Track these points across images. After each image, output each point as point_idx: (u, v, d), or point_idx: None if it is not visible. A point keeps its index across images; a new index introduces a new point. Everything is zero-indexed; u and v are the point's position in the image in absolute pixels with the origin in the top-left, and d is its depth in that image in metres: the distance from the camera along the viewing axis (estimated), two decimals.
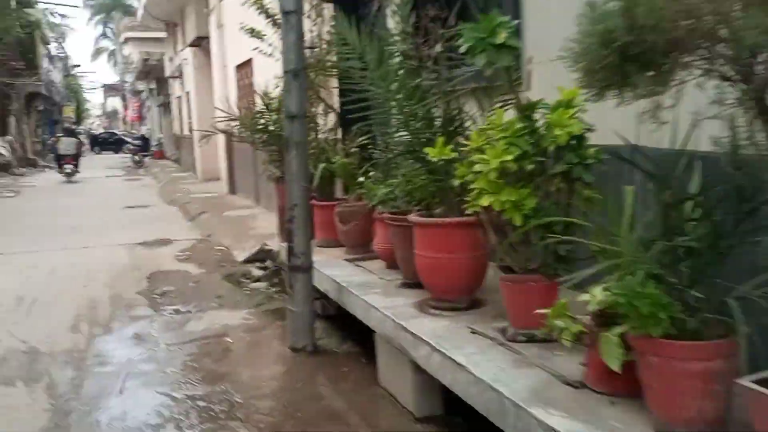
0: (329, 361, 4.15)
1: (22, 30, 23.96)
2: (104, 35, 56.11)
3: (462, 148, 2.98)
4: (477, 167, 2.68)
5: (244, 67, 11.53)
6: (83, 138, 35.83)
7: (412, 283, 3.96)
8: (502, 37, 2.41)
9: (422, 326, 3.22)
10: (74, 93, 49.74)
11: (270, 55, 6.22)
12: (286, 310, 4.47)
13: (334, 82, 6.45)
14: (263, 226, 8.94)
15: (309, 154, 5.20)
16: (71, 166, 20.77)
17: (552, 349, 2.75)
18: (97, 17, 54.35)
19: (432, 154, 3.02)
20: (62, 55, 43.10)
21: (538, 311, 2.55)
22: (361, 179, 4.69)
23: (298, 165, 4.23)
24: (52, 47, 37.52)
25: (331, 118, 6.08)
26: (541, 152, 2.71)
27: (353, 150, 5.31)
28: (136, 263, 7.51)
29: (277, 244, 7.03)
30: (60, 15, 32.98)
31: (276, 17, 5.69)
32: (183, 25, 19.10)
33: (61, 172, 20.88)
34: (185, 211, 11.75)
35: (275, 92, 6.57)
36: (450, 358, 2.82)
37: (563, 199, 2.76)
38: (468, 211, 3.17)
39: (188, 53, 17.50)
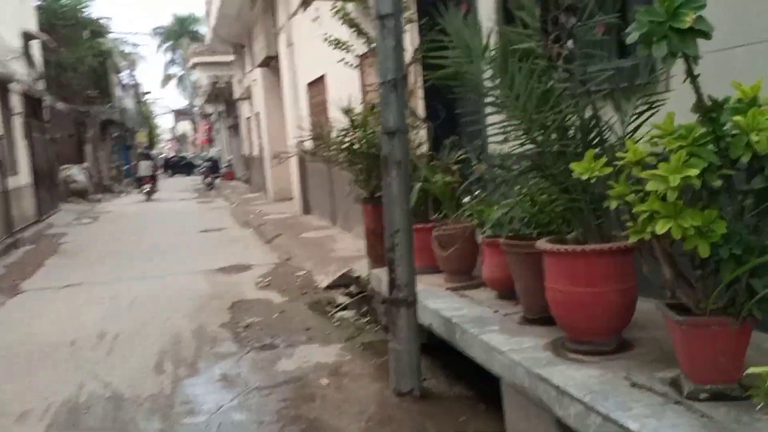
0: (442, 409, 3.65)
1: (95, 59, 24.60)
2: (173, 62, 57.71)
3: (615, 162, 2.43)
4: (650, 185, 2.14)
5: (316, 84, 11.25)
6: (158, 161, 37.14)
7: (537, 318, 3.44)
8: (688, 19, 1.87)
9: (566, 376, 2.69)
10: (146, 119, 51.19)
11: (356, 66, 5.80)
12: (389, 348, 4.00)
13: (420, 92, 6.01)
14: (343, 248, 8.55)
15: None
16: (149, 186, 22.87)
17: (748, 411, 2.18)
18: (166, 45, 55.97)
19: (579, 170, 2.49)
20: (133, 82, 44.43)
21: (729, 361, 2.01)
22: (466, 199, 4.18)
23: (400, 186, 3.77)
24: (124, 75, 38.68)
25: (422, 132, 5.61)
26: (729, 164, 2.15)
27: (452, 167, 4.82)
28: (217, 292, 7.21)
29: (361, 268, 6.60)
30: (131, 44, 33.98)
31: (360, 26, 5.27)
32: (251, 46, 19.12)
33: (141, 192, 23.17)
34: (260, 233, 11.51)
35: (357, 107, 6.18)
36: (616, 422, 2.28)
37: (759, 223, 2.19)
38: (621, 238, 2.64)
39: (257, 74, 17.45)
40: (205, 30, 55.04)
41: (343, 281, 7.04)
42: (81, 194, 22.96)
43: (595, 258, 2.82)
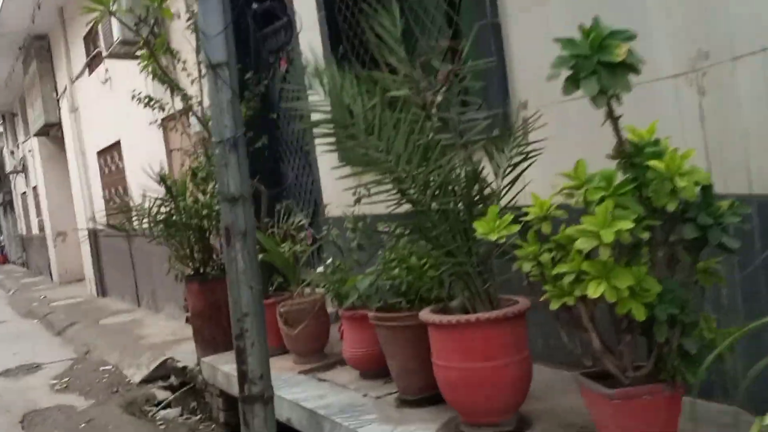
0: None
1: None
2: None
3: (522, 219, 2.15)
4: (579, 243, 1.86)
5: (109, 151, 10.19)
6: None
7: (416, 399, 3.05)
8: (620, 52, 1.65)
9: None
10: None
11: (159, 126, 5.17)
12: None
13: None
14: (154, 334, 7.57)
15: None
16: None
17: None
18: None
19: (483, 230, 2.17)
20: None
21: None
22: (320, 269, 3.72)
23: (247, 261, 3.20)
24: None
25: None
26: (652, 213, 1.95)
27: (294, 234, 4.35)
28: (2, 403, 5.92)
29: (183, 356, 5.79)
30: None
31: (173, 82, 4.67)
32: (24, 115, 17.16)
33: None
34: (49, 323, 9.97)
35: (163, 172, 5.50)
36: None
37: (685, 276, 2.01)
38: (507, 302, 2.36)
39: (33, 144, 15.63)
40: None
41: (161, 373, 6.14)
42: None
43: (491, 327, 2.51)
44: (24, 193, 19.37)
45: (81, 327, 8.96)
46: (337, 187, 4.41)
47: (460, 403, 2.64)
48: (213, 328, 4.80)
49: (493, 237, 2.13)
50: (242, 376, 3.27)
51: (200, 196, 4.84)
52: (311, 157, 5.33)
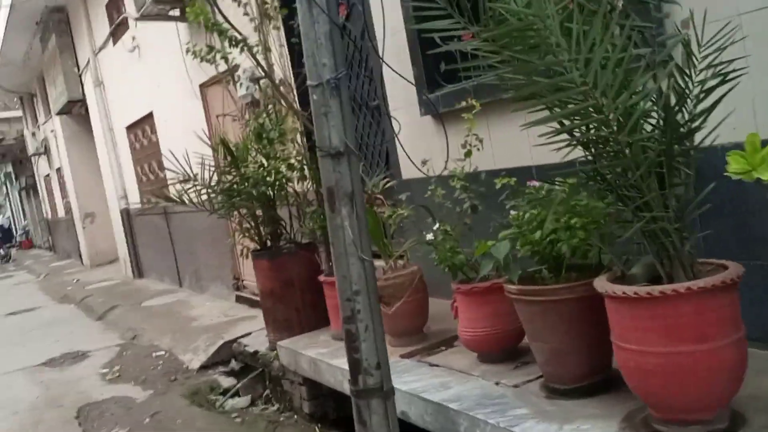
0: None
1: None
2: None
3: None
4: None
5: (140, 125, 9.66)
6: None
7: (572, 389, 2.51)
8: None
9: None
10: None
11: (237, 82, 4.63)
12: None
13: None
14: (204, 315, 7.11)
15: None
16: None
17: None
18: None
19: (736, 168, 1.59)
20: None
21: None
22: (429, 236, 3.16)
23: (356, 229, 2.66)
24: None
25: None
26: None
27: (374, 198, 3.79)
28: (52, 395, 5.49)
29: (250, 339, 5.30)
30: None
31: (232, 33, 4.08)
32: (44, 94, 16.67)
33: None
34: (87, 308, 9.56)
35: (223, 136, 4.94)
36: None
37: None
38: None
39: (56, 123, 15.15)
40: None
41: (220, 357, 5.68)
42: None
43: (707, 299, 1.94)
44: (47, 175, 18.97)
45: (123, 310, 8.53)
46: (419, 145, 3.85)
47: (656, 396, 2.09)
48: (286, 309, 4.29)
49: (755, 176, 1.55)
50: (355, 366, 2.75)
51: (264, 162, 4.28)
52: (380, 113, 4.76)
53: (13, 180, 28.39)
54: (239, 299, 7.31)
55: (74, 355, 6.84)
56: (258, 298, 6.95)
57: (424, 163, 3.33)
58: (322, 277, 3.95)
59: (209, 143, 4.68)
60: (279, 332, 4.32)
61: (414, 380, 3.01)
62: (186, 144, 7.93)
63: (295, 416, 4.06)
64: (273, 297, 4.31)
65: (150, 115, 9.01)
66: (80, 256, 15.98)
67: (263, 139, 4.17)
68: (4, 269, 20.57)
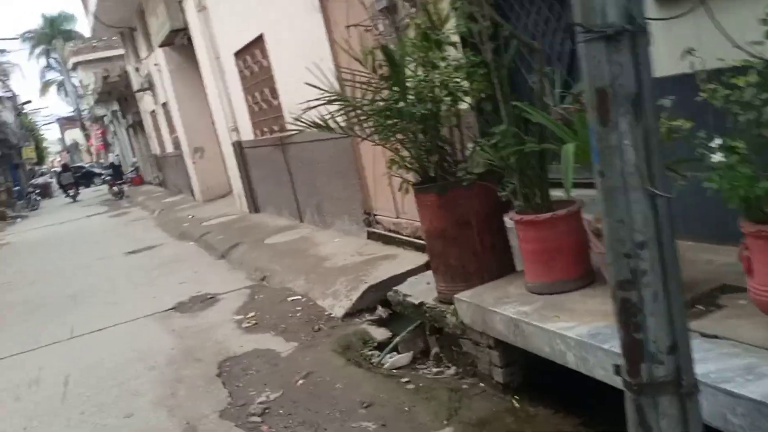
0: None
1: None
2: (49, 67, 52.53)
3: None
4: None
5: (249, 50, 8.97)
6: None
7: None
8: None
9: None
10: (31, 132, 46.34)
11: None
12: None
13: None
14: (335, 253, 6.50)
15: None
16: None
17: None
18: (38, 49, 50.84)
19: None
20: (9, 94, 39.77)
21: None
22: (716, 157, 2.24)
23: (641, 150, 1.79)
24: None
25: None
26: None
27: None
28: (188, 346, 5.05)
29: (404, 284, 4.59)
30: None
31: None
32: (144, 27, 16.36)
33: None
34: (208, 246, 9.23)
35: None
36: None
37: None
38: None
39: (159, 56, 14.82)
40: (80, 27, 50.33)
41: (365, 304, 5.05)
42: None
43: None
44: (153, 111, 18.94)
45: (245, 248, 8.09)
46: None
47: None
48: (461, 253, 3.51)
49: None
50: (635, 350, 1.93)
51: (427, 73, 3.41)
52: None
53: (120, 118, 28.96)
54: (372, 236, 6.65)
55: (203, 299, 6.43)
56: (394, 235, 6.31)
57: (689, 53, 2.37)
58: (514, 215, 3.12)
59: (355, 56, 3.82)
60: (452, 281, 3.57)
61: (718, 366, 2.16)
62: (303, 66, 7.20)
63: (481, 384, 3.33)
64: (444, 239, 3.53)
65: (260, 38, 8.29)
66: (191, 191, 15.92)
67: (430, 43, 3.29)
68: (118, 206, 21.04)
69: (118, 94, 24.55)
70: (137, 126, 24.27)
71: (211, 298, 6.41)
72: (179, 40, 13.23)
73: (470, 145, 3.59)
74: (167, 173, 20.50)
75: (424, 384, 3.49)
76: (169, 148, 18.30)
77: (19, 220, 23.43)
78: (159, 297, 6.75)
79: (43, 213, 25.39)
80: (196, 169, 14.86)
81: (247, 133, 10.11)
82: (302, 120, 3.89)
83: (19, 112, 41.74)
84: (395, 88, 3.37)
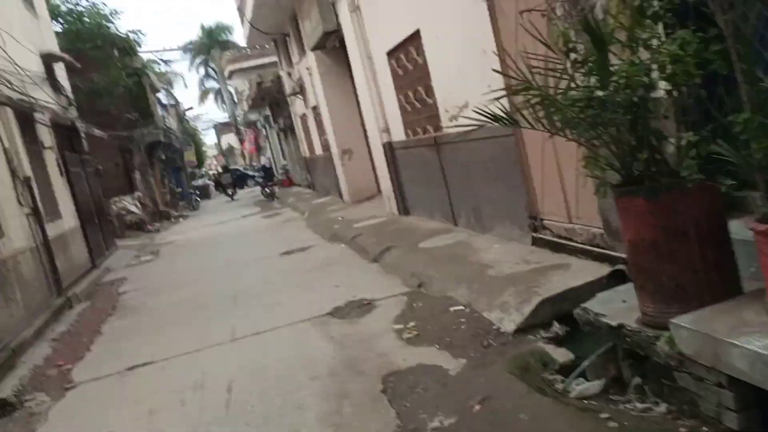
0: None
1: (130, 79, 22.65)
2: (207, 76, 56.02)
3: None
4: None
5: (403, 48, 8.72)
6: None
7: None
8: None
9: None
10: (192, 136, 49.63)
11: None
12: None
13: None
14: (499, 261, 6.05)
15: None
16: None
17: None
18: (198, 60, 54.31)
19: None
20: (173, 102, 42.79)
21: None
22: None
23: None
24: (162, 95, 36.97)
25: None
26: None
27: None
28: (348, 357, 4.81)
29: (593, 300, 4.06)
30: (163, 61, 31.97)
31: None
32: (297, 32, 16.73)
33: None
34: (360, 248, 9.09)
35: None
36: None
37: None
38: None
39: (311, 60, 15.05)
40: (236, 37, 53.20)
41: (539, 318, 4.56)
42: (138, 226, 21.09)
43: None
44: (303, 114, 19.39)
45: (399, 252, 7.83)
46: None
47: None
48: (676, 269, 2.95)
49: None
50: None
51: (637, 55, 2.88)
52: None
53: (271, 122, 30.14)
54: (537, 242, 6.13)
55: (359, 304, 6.22)
56: (565, 242, 5.75)
57: None
58: (758, 225, 2.52)
59: (544, 39, 3.35)
60: (663, 302, 3.01)
61: None
62: (463, 60, 6.82)
63: (705, 428, 2.76)
64: (654, 252, 2.98)
65: (416, 35, 8.00)
66: (339, 192, 16.05)
67: (645, 18, 2.76)
68: (270, 207, 21.78)
69: (271, 100, 25.48)
70: (287, 130, 25.08)
71: (367, 303, 6.18)
72: (330, 43, 13.33)
73: (684, 137, 3.01)
74: (316, 175, 20.94)
75: (630, 423, 2.96)
76: (318, 151, 18.63)
77: (181, 219, 24.97)
78: (316, 301, 6.62)
79: (203, 213, 26.93)
80: (344, 171, 14.94)
81: (398, 134, 9.88)
82: (483, 113, 3.43)
83: (181, 118, 44.82)
84: (596, 74, 2.87)
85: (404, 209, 10.53)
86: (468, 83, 6.73)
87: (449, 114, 7.47)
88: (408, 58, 8.68)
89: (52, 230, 10.87)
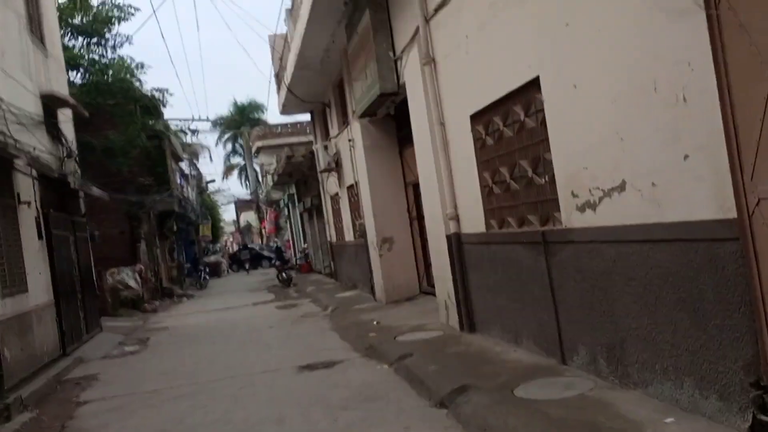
0: None
1: (149, 142, 20.71)
2: (234, 152, 54.84)
3: None
4: None
5: (503, 107, 6.37)
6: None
7: None
8: None
9: None
10: (209, 210, 47.72)
11: None
12: None
13: None
14: None
15: None
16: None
17: None
18: (226, 135, 53.28)
19: None
20: (195, 172, 41.11)
21: None
22: None
23: None
24: (184, 166, 35.23)
25: None
26: None
27: None
28: None
29: None
30: (191, 131, 30.28)
31: None
32: (342, 99, 14.69)
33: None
34: (412, 377, 6.43)
35: None
36: None
37: None
38: None
39: (355, 130, 12.87)
40: (268, 117, 52.24)
41: None
42: (134, 304, 18.55)
43: None
44: (336, 194, 17.11)
45: (483, 399, 5.16)
46: None
47: None
48: None
49: None
50: None
51: None
52: None
53: (296, 202, 28.01)
54: (759, 429, 3.47)
55: None
56: None
57: None
58: None
59: None
60: None
61: None
62: (627, 115, 4.39)
63: None
64: None
65: (530, 86, 5.66)
66: (371, 287, 13.48)
67: None
68: (286, 295, 19.20)
69: (299, 177, 23.40)
70: (313, 210, 22.83)
71: None
72: (383, 110, 11.16)
73: None
74: (341, 264, 18.44)
75: None
76: (348, 237, 16.21)
77: (185, 299, 22.41)
78: None
79: (210, 294, 24.38)
80: (381, 263, 12.42)
81: (474, 224, 7.42)
82: None
83: (201, 190, 43.02)
84: None
85: (469, 324, 7.90)
86: (630, 151, 4.32)
87: (579, 199, 4.99)
88: (507, 122, 6.32)
89: (8, 307, 8.37)
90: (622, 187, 4.47)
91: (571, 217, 5.21)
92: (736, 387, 3.68)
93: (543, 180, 5.73)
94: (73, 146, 13.28)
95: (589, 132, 4.80)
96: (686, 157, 3.82)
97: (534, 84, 5.56)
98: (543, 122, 5.53)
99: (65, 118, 12.91)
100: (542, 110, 5.50)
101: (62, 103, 12.32)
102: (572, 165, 5.09)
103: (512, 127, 6.22)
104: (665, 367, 4.29)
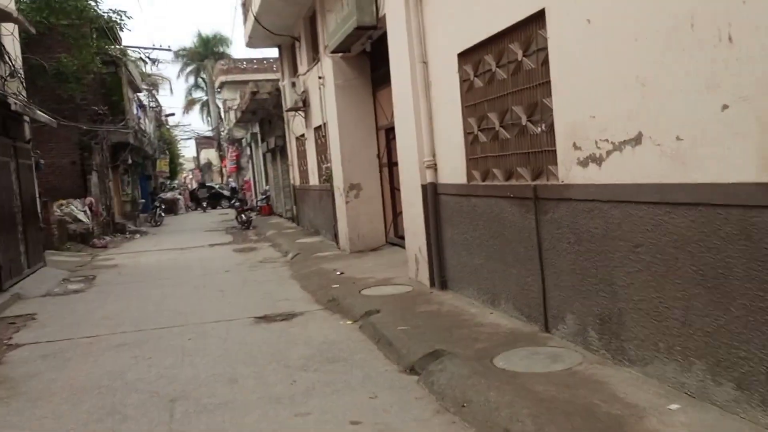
0: None
1: (104, 68, 19.43)
2: (197, 86, 52.89)
3: None
4: None
5: (496, 45, 5.71)
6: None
7: None
8: None
9: None
10: (168, 145, 46.11)
11: None
12: None
13: None
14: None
15: None
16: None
17: None
18: (189, 68, 51.24)
19: None
20: (154, 104, 39.44)
21: None
22: None
23: None
24: (143, 96, 33.66)
25: None
26: None
27: None
28: None
29: None
30: (151, 60, 28.60)
31: None
32: (313, 33, 13.77)
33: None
34: (380, 337, 5.90)
35: None
36: None
37: None
38: None
39: (326, 67, 12.03)
40: (233, 50, 50.25)
41: None
42: (83, 238, 17.65)
43: None
44: (302, 135, 16.30)
45: (461, 369, 4.65)
46: None
47: None
48: None
49: None
50: None
51: None
52: None
53: (259, 141, 27.03)
54: None
55: None
56: None
57: None
58: None
59: None
60: None
61: None
62: (654, 58, 3.77)
63: None
64: None
65: (533, 20, 5.00)
66: (335, 235, 12.90)
67: None
68: (245, 237, 18.50)
69: (263, 115, 22.40)
70: (277, 151, 21.95)
71: None
72: (358, 46, 10.36)
73: None
74: (304, 208, 17.76)
75: None
76: (313, 180, 15.51)
77: (138, 236, 21.52)
78: None
79: (165, 231, 23.51)
80: (347, 210, 11.80)
81: (453, 174, 6.83)
82: None
83: (160, 123, 41.43)
84: None
85: (441, 281, 7.39)
86: (653, 98, 3.73)
87: (582, 152, 4.41)
88: (501, 62, 5.66)
89: None
90: (637, 140, 3.90)
91: (570, 172, 4.64)
92: (761, 377, 3.22)
93: (539, 129, 5.13)
94: (18, 64, 12.18)
95: (602, 75, 4.19)
96: (725, 107, 3.25)
97: (538, 18, 4.90)
98: (545, 63, 4.89)
99: (7, 32, 11.78)
100: (545, 49, 4.86)
101: (4, 16, 11.17)
102: (577, 113, 4.49)
103: (506, 68, 5.58)
104: (671, 345, 3.82)
